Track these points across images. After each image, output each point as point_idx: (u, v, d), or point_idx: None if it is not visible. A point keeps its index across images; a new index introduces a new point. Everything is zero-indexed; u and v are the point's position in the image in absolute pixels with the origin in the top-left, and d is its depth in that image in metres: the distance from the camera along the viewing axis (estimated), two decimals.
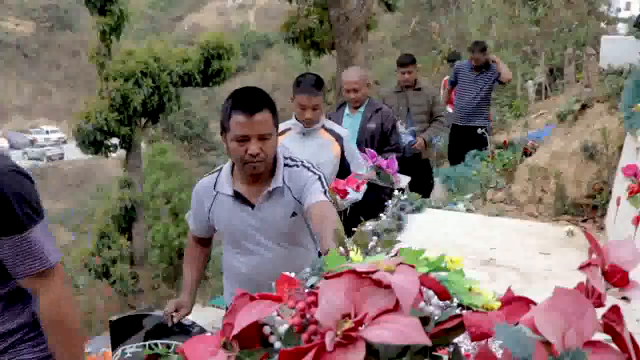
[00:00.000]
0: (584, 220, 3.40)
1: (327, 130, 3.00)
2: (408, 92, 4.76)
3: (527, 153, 4.43)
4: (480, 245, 2.71)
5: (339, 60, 9.43)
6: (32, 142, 34.80)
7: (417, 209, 3.08)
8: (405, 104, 4.75)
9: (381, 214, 2.83)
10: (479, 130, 4.83)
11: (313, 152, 2.77)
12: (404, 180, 3.58)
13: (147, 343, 0.92)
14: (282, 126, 2.69)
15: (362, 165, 3.07)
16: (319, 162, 2.35)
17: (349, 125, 3.66)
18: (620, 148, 3.38)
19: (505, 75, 5.50)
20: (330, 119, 3.47)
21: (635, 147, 2.75)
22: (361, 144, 3.56)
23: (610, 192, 3.36)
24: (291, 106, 3.01)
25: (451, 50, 11.68)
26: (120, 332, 1.96)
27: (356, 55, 9.20)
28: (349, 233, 2.96)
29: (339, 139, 2.99)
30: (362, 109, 3.78)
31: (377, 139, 3.70)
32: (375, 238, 2.21)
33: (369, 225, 2.67)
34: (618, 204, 2.52)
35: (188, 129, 28.45)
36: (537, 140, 4.71)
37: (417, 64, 4.93)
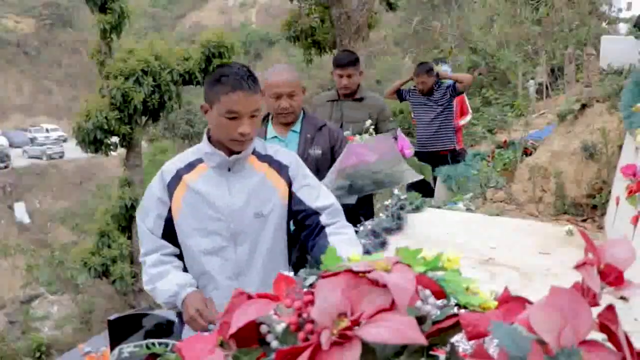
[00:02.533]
0: (584, 220, 3.41)
1: (260, 157, 1.95)
2: (345, 102, 3.58)
3: (527, 152, 4.44)
4: (480, 245, 2.71)
5: None
6: (32, 141, 34.84)
7: (417, 209, 3.09)
8: (339, 118, 3.52)
9: (381, 214, 2.84)
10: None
11: (244, 200, 1.89)
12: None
13: (144, 342, 0.92)
14: (188, 155, 1.97)
15: (329, 196, 2.00)
16: (261, 212, 1.88)
17: None
18: (620, 148, 3.39)
19: (461, 79, 5.11)
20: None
21: (635, 147, 2.76)
22: None
23: (610, 192, 3.37)
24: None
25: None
26: (120, 331, 1.96)
27: (358, 54, 9.20)
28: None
29: (282, 170, 1.95)
30: (297, 127, 2.67)
31: (325, 171, 2.63)
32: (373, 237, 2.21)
33: (368, 224, 2.67)
34: (617, 203, 2.52)
35: (189, 127, 28.46)
36: (538, 140, 4.72)
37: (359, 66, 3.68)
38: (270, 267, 1.88)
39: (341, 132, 2.86)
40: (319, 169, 2.57)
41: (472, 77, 5.56)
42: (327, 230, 1.90)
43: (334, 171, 2.63)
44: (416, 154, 4.59)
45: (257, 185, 1.90)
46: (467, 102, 5.78)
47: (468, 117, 5.83)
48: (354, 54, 3.76)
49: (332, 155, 2.71)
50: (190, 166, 1.91)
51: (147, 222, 1.91)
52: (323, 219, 1.93)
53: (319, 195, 1.97)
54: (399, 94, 5.36)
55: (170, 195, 1.89)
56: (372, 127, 3.16)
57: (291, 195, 1.95)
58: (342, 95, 3.60)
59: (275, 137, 2.66)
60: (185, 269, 1.92)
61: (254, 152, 1.95)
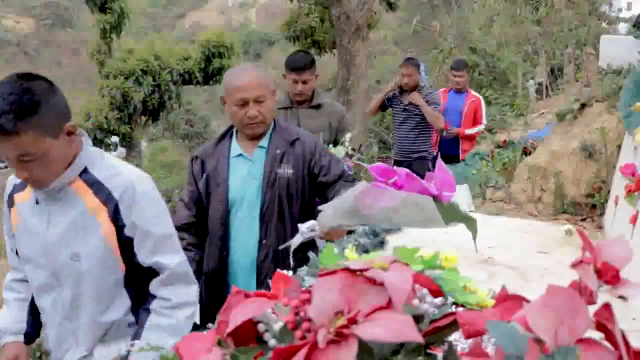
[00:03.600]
0: (583, 220, 3.41)
1: (89, 182, 1.52)
2: (300, 110, 3.21)
3: (526, 152, 4.45)
4: (479, 244, 2.71)
5: (340, 59, 9.44)
6: None
7: None
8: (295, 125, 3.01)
9: None
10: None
11: (59, 236, 1.53)
12: None
13: (141, 344, 0.92)
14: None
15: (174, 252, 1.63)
16: (77, 254, 1.49)
17: (244, 175, 2.17)
18: (619, 147, 3.39)
19: (430, 119, 4.55)
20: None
21: (634, 146, 2.76)
22: (266, 208, 2.14)
23: (609, 191, 3.37)
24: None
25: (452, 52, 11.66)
26: None
27: (357, 54, 9.21)
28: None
29: (109, 202, 1.51)
30: (265, 142, 2.19)
31: (300, 194, 2.19)
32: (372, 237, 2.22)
33: None
34: (616, 202, 2.53)
35: (189, 127, 28.45)
36: (537, 139, 4.72)
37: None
38: (100, 312, 1.55)
39: (319, 141, 2.37)
40: (290, 192, 2.15)
41: (441, 121, 4.69)
42: (152, 307, 1.53)
43: (334, 209, 2.41)
44: (394, 162, 4.67)
45: (76, 218, 1.50)
46: (483, 109, 5.25)
47: (479, 127, 5.25)
48: (310, 55, 3.32)
49: (308, 173, 2.20)
50: (24, 183, 1.54)
51: (5, 236, 1.67)
52: (154, 287, 1.54)
53: (160, 247, 1.53)
54: (382, 105, 4.99)
55: (9, 213, 1.60)
56: (333, 136, 3.07)
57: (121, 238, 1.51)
58: (295, 102, 3.20)
59: (241, 154, 2.18)
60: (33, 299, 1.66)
61: (83, 174, 1.51)
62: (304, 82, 3.14)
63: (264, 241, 2.13)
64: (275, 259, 2.10)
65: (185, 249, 1.86)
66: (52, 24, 40.91)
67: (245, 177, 2.17)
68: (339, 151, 2.96)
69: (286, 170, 2.16)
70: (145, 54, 10.93)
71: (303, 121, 3.14)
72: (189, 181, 2.28)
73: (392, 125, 4.98)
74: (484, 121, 5.29)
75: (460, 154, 5.19)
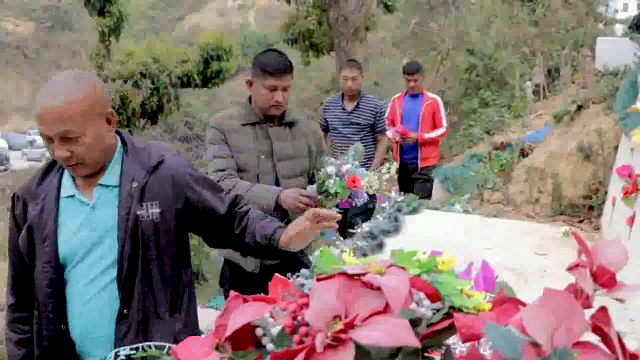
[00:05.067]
0: (581, 221, 3.42)
1: None
2: (272, 128, 2.42)
3: (524, 154, 4.45)
4: (477, 246, 2.71)
5: (338, 61, 9.45)
6: (32, 143, 34.78)
7: (414, 210, 3.09)
8: (268, 152, 2.39)
9: (378, 216, 2.84)
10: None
11: None
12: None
13: (140, 345, 0.92)
14: None
15: None
16: None
17: (80, 224, 1.55)
18: (616, 148, 3.39)
19: (379, 156, 4.19)
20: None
21: (630, 147, 2.76)
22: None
23: (606, 193, 3.37)
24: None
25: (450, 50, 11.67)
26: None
27: (355, 56, 9.23)
28: (344, 235, 2.96)
29: None
30: (108, 178, 1.58)
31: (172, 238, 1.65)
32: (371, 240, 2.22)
33: (366, 226, 2.67)
34: (613, 204, 2.53)
35: (188, 130, 28.45)
36: (534, 141, 4.72)
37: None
38: None
39: (190, 165, 1.69)
40: (160, 242, 1.57)
41: (385, 141, 4.36)
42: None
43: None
44: None
45: None
46: (442, 112, 4.81)
47: (440, 131, 4.77)
48: (285, 61, 2.41)
49: (186, 211, 1.61)
50: None
51: None
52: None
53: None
54: (324, 125, 4.32)
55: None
56: (312, 164, 2.42)
57: None
58: (268, 116, 2.40)
59: (73, 195, 1.57)
60: None
61: None
62: (284, 90, 2.37)
63: (124, 311, 1.53)
64: (140, 331, 1.53)
65: (11, 329, 1.64)
66: (51, 26, 40.91)
67: (82, 226, 1.55)
68: (372, 181, 2.48)
69: (151, 211, 1.56)
70: (144, 56, 10.95)
71: (277, 144, 2.40)
72: (10, 228, 1.66)
73: (330, 133, 4.26)
74: (445, 123, 4.80)
75: (419, 162, 4.73)
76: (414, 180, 4.76)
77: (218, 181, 2.21)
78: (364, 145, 3.47)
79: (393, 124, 4.81)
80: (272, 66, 2.36)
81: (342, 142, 4.07)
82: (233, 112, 2.48)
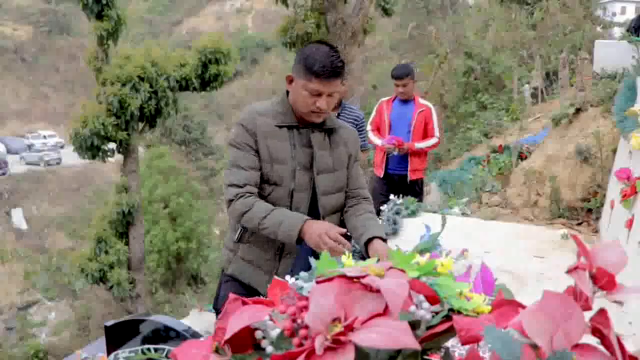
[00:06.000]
0: (579, 224, 3.42)
1: None
2: (313, 133, 1.99)
3: (522, 157, 4.45)
4: (475, 249, 2.72)
5: None
6: (30, 147, 34.76)
7: (413, 213, 3.09)
8: (308, 163, 2.02)
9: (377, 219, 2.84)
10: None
11: None
12: None
13: (139, 348, 0.92)
14: None
15: None
16: None
17: None
18: (614, 151, 3.40)
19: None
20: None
21: (629, 150, 2.77)
22: None
23: (604, 196, 3.38)
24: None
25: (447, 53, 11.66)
26: (117, 337, 1.96)
27: (353, 59, 9.24)
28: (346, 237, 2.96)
29: None
30: None
31: None
32: None
33: None
34: (612, 207, 2.53)
35: (186, 133, 28.47)
36: (533, 144, 4.73)
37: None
38: None
39: None
40: None
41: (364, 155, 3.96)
42: None
43: None
44: None
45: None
46: (435, 121, 4.35)
47: (431, 141, 4.31)
48: (339, 56, 1.98)
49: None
50: None
51: None
52: None
53: None
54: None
55: None
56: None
57: None
58: (308, 120, 2.00)
59: None
60: None
61: None
62: (329, 96, 1.95)
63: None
64: None
65: None
66: (49, 30, 40.92)
67: None
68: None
69: None
70: (142, 60, 10.94)
71: (318, 154, 2.03)
72: None
73: None
74: (437, 134, 4.32)
75: (409, 174, 4.32)
76: (403, 192, 4.14)
77: (231, 200, 1.94)
78: None
79: (378, 129, 4.41)
80: (321, 67, 1.89)
81: None
82: (268, 107, 2.02)
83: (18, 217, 28.06)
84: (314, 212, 2.00)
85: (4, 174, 30.88)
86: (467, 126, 9.69)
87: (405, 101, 4.35)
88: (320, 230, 1.80)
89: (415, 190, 4.26)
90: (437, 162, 9.44)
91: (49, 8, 41.93)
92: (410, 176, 4.28)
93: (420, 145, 4.26)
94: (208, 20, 45.98)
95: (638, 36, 5.09)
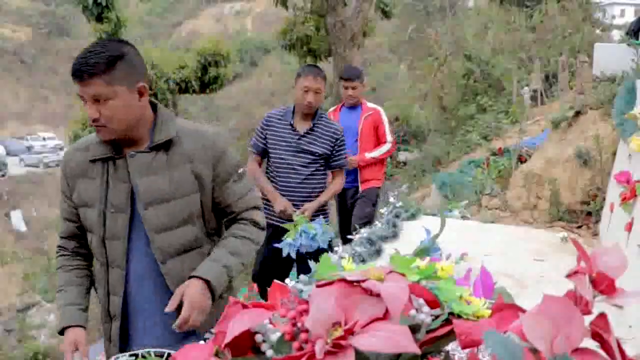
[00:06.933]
0: (579, 227, 3.42)
1: None
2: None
3: (521, 160, 4.46)
4: (475, 252, 2.71)
5: (336, 67, 9.48)
6: (29, 149, 34.75)
7: (412, 216, 3.09)
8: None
9: (376, 222, 2.84)
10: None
11: None
12: None
13: (139, 352, 0.92)
14: None
15: None
16: None
17: None
18: (614, 154, 3.40)
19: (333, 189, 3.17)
20: None
21: (628, 153, 2.77)
22: None
23: (604, 199, 3.38)
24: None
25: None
26: None
27: (352, 61, 9.25)
28: (344, 241, 2.96)
29: None
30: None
31: None
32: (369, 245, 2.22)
33: (364, 232, 2.67)
34: (612, 210, 2.53)
35: None
36: (532, 147, 4.74)
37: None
38: None
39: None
40: None
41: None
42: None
43: None
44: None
45: None
46: (386, 124, 3.99)
47: (384, 148, 3.96)
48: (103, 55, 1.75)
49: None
50: None
51: None
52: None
53: None
54: (260, 147, 3.19)
55: None
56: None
57: None
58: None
59: None
60: None
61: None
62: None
63: None
64: None
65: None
66: (49, 32, 40.94)
67: None
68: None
69: None
70: None
71: (143, 182, 1.70)
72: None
73: (271, 159, 3.15)
74: (389, 138, 3.97)
75: (360, 185, 3.96)
76: (353, 206, 3.93)
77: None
78: (315, 182, 3.03)
79: None
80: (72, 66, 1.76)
81: (286, 174, 3.04)
82: (92, 136, 1.76)
83: (17, 219, 28.03)
84: (148, 258, 1.66)
85: (3, 175, 30.87)
86: (467, 129, 9.70)
87: (353, 108, 3.97)
88: (66, 340, 1.65)
89: (365, 201, 3.91)
90: (436, 165, 9.46)
91: (49, 10, 41.96)
92: (361, 187, 3.93)
93: (372, 154, 3.91)
94: (207, 23, 46.00)
95: (637, 39, 5.10)
